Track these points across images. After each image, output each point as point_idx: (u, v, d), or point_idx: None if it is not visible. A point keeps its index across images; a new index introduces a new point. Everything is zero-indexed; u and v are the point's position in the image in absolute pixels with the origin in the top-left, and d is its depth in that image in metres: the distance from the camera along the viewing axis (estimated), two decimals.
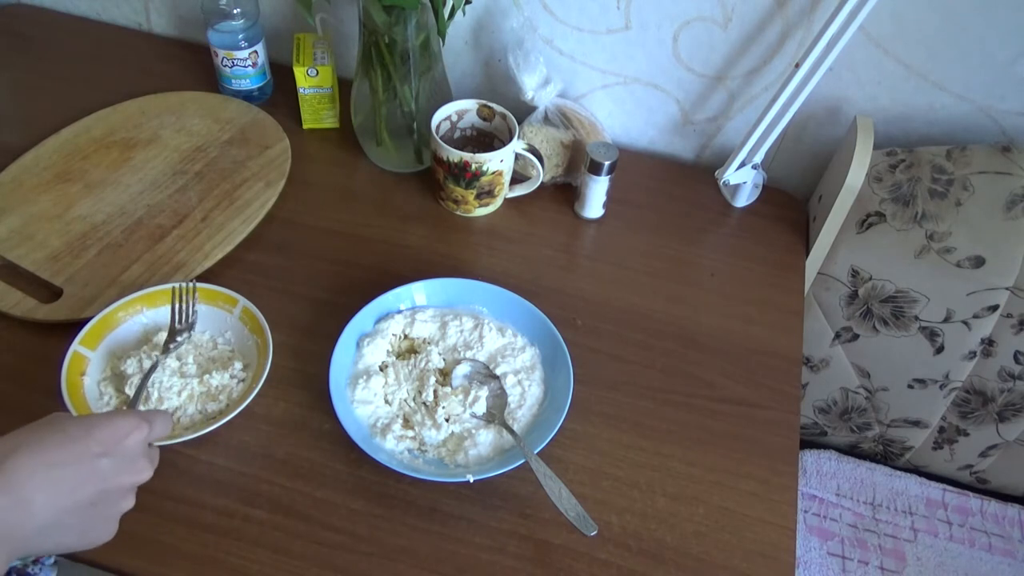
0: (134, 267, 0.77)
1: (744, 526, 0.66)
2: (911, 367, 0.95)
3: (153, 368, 0.66)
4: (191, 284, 0.71)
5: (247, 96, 0.98)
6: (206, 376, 0.68)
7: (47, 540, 0.44)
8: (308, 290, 0.79)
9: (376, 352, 0.72)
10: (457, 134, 0.90)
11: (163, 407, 0.65)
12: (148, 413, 0.50)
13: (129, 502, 0.49)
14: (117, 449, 0.47)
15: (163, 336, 0.70)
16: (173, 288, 0.69)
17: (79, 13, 1.11)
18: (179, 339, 0.69)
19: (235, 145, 0.91)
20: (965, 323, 0.89)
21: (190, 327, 0.70)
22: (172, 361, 0.68)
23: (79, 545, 0.47)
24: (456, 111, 0.88)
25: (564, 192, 0.93)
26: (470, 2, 0.85)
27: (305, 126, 0.97)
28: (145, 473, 0.49)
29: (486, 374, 0.71)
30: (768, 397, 0.76)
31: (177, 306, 0.70)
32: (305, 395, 0.71)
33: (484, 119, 0.89)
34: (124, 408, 0.66)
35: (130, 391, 0.66)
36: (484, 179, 0.84)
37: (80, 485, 0.45)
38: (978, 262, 0.84)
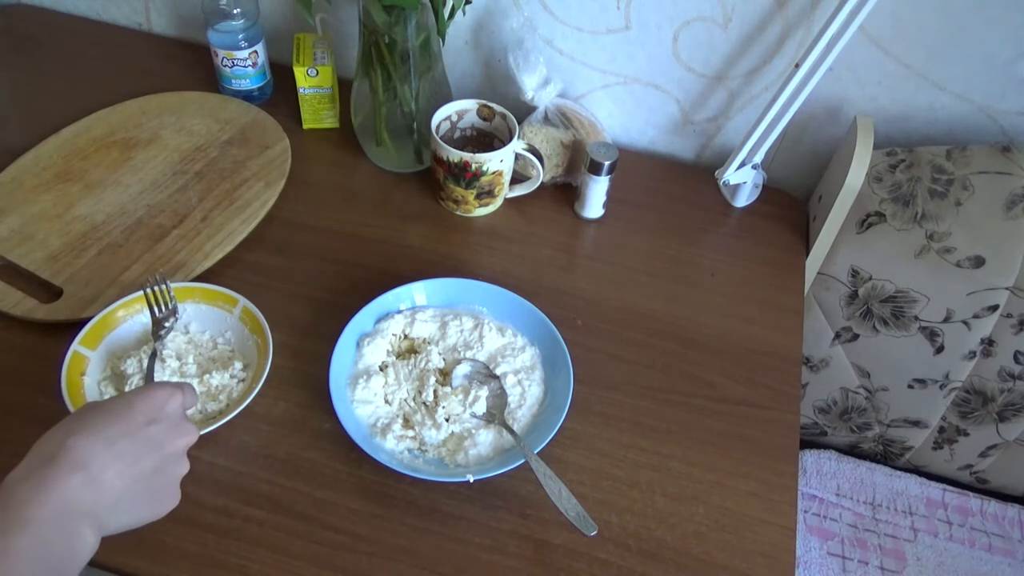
0: (134, 267, 0.77)
1: (744, 526, 0.66)
2: (911, 367, 0.95)
3: (153, 356, 0.66)
4: (158, 278, 0.70)
5: (247, 96, 0.98)
6: (206, 376, 0.68)
7: (123, 514, 0.46)
8: (308, 290, 0.79)
9: (376, 352, 0.72)
10: (457, 134, 0.90)
11: None
12: (176, 383, 0.52)
13: (185, 466, 0.51)
14: (161, 416, 0.49)
15: (163, 332, 0.70)
16: (145, 292, 0.69)
17: (79, 13, 1.11)
18: (167, 324, 0.70)
19: (235, 145, 0.91)
20: (965, 323, 0.89)
21: (173, 312, 0.70)
22: (172, 361, 0.69)
23: (152, 515, 0.48)
24: (456, 111, 0.88)
25: (564, 192, 0.93)
26: (470, 2, 0.85)
27: (305, 126, 0.97)
28: (193, 435, 0.51)
29: (486, 374, 0.71)
30: (768, 397, 0.76)
31: (152, 299, 0.70)
32: (305, 395, 0.71)
33: (484, 119, 0.89)
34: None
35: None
36: (484, 179, 0.84)
37: (140, 455, 0.47)
38: (978, 262, 0.84)
